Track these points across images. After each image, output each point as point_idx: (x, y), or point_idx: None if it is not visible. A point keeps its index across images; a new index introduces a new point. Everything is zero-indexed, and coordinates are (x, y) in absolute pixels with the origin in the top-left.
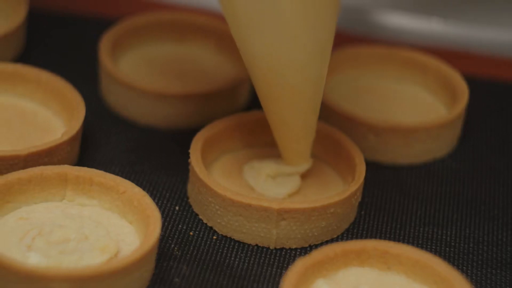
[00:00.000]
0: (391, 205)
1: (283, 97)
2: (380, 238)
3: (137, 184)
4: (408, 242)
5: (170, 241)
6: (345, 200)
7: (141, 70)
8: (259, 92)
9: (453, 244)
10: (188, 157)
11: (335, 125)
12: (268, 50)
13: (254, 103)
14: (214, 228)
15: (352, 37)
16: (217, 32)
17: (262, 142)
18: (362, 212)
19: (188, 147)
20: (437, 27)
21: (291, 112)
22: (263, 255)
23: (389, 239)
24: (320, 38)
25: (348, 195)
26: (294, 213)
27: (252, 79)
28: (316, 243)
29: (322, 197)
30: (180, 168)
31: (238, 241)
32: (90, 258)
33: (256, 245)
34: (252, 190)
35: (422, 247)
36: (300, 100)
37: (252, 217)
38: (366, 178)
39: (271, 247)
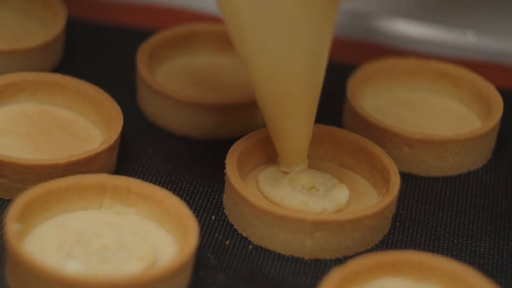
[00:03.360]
0: (425, 217)
1: (280, 103)
2: (415, 249)
3: (173, 193)
4: (442, 254)
5: (207, 250)
6: (379, 212)
7: (178, 81)
8: (258, 96)
9: (487, 255)
10: (224, 167)
11: (369, 137)
12: (267, 59)
13: None
14: (249, 238)
15: (384, 50)
16: None
17: None
18: (397, 224)
19: (224, 156)
20: (471, 40)
21: (288, 117)
22: (297, 265)
23: (423, 250)
24: (317, 49)
25: (382, 207)
26: (328, 224)
27: (251, 85)
28: (350, 254)
29: (356, 209)
30: (216, 178)
31: (273, 251)
32: (128, 267)
33: (291, 255)
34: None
35: (456, 259)
36: (297, 106)
37: (286, 228)
38: (400, 190)
39: (305, 258)
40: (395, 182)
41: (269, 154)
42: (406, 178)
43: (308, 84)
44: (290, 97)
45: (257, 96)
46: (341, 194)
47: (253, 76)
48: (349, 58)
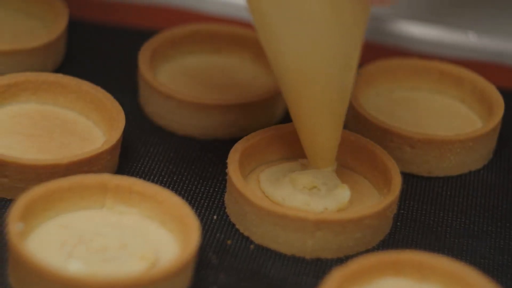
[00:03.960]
0: (426, 217)
1: (310, 106)
2: (416, 249)
3: (175, 193)
4: (443, 253)
5: (208, 250)
6: (380, 212)
7: (179, 81)
8: (288, 99)
9: (488, 256)
10: (226, 167)
11: (371, 137)
12: (297, 61)
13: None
14: (251, 238)
15: (385, 50)
16: (254, 44)
17: (300, 154)
18: (398, 224)
19: (226, 157)
20: (472, 40)
21: (318, 120)
22: (299, 264)
23: (425, 250)
24: (348, 52)
25: (383, 207)
26: (330, 224)
27: (280, 87)
28: (351, 253)
29: (357, 208)
30: (218, 178)
31: (275, 250)
32: (130, 266)
33: (292, 254)
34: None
35: (457, 259)
36: (327, 109)
37: (288, 227)
38: (401, 190)
39: (306, 257)
40: (397, 182)
41: (271, 154)
42: (408, 178)
43: (337, 87)
44: (319, 100)
45: (286, 99)
46: (343, 194)
47: (282, 79)
48: None
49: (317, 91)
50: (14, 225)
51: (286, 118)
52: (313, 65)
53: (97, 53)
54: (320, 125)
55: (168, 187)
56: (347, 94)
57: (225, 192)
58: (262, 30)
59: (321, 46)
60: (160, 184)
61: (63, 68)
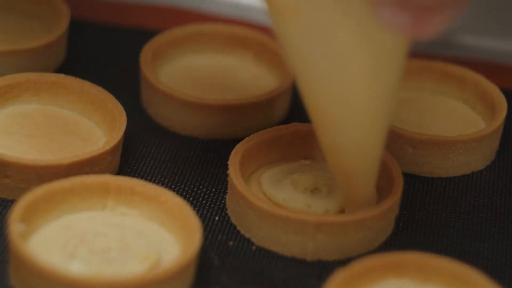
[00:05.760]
0: (428, 218)
1: (346, 150)
2: (418, 250)
3: (177, 194)
4: (446, 255)
5: (210, 251)
6: (382, 214)
7: (181, 81)
8: (323, 144)
9: (490, 256)
10: (228, 168)
11: None
12: (333, 105)
13: (292, 115)
14: (252, 239)
15: None
16: (256, 44)
17: (301, 155)
18: (400, 224)
19: (227, 157)
20: (474, 40)
21: (353, 161)
22: (301, 266)
23: (427, 251)
24: (387, 95)
25: (385, 208)
26: (331, 226)
27: (316, 132)
28: (353, 255)
29: (359, 210)
30: (219, 178)
31: (277, 252)
32: (131, 267)
33: (294, 256)
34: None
35: (460, 260)
36: (363, 151)
37: (289, 229)
38: (403, 191)
39: (307, 259)
40: (398, 183)
41: (272, 156)
42: (410, 178)
43: (374, 128)
44: (357, 143)
45: (323, 145)
46: None
47: (320, 122)
48: None
49: (351, 130)
50: (15, 226)
51: (288, 118)
52: (351, 108)
53: (99, 53)
54: (356, 167)
55: (170, 188)
56: (384, 136)
57: (227, 193)
58: (301, 74)
59: (360, 90)
60: (162, 185)
61: (64, 68)
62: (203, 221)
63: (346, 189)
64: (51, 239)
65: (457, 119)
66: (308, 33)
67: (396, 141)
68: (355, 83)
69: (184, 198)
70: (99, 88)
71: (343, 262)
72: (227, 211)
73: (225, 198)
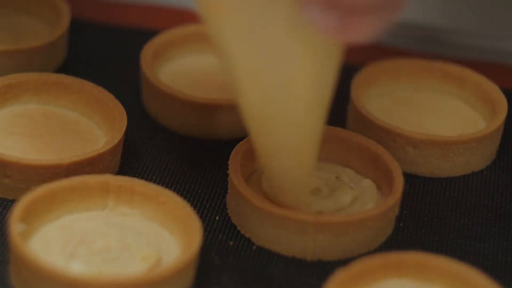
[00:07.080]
0: (429, 218)
1: (276, 147)
2: (419, 250)
3: (177, 194)
4: (446, 255)
5: (210, 251)
6: (382, 214)
7: (181, 81)
8: (256, 144)
9: (491, 256)
10: (228, 168)
11: (373, 138)
12: (264, 106)
13: None
14: (252, 239)
15: (388, 50)
16: None
17: None
18: (401, 224)
19: (227, 157)
20: (475, 40)
21: (284, 160)
22: (301, 266)
23: (428, 251)
24: (318, 98)
25: (385, 208)
26: (331, 226)
27: (250, 132)
28: (353, 255)
29: (359, 210)
30: (220, 179)
31: (277, 252)
32: (132, 267)
33: (293, 256)
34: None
35: (460, 260)
36: (294, 151)
37: (289, 229)
38: (404, 191)
39: (307, 259)
40: (399, 183)
41: None
42: (410, 178)
43: (306, 127)
44: (286, 141)
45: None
46: (343, 197)
47: (249, 119)
48: (353, 58)
49: (284, 131)
50: (16, 226)
51: None
52: (280, 104)
53: (99, 53)
54: (286, 167)
55: (170, 188)
56: (318, 141)
57: (227, 193)
58: (229, 66)
59: (291, 84)
60: (162, 185)
61: (65, 68)
62: (203, 221)
63: (277, 191)
64: (51, 239)
65: (458, 119)
66: (239, 32)
67: (396, 141)
68: (287, 83)
69: (184, 198)
70: (100, 88)
71: (343, 262)
72: (227, 211)
73: (225, 198)
